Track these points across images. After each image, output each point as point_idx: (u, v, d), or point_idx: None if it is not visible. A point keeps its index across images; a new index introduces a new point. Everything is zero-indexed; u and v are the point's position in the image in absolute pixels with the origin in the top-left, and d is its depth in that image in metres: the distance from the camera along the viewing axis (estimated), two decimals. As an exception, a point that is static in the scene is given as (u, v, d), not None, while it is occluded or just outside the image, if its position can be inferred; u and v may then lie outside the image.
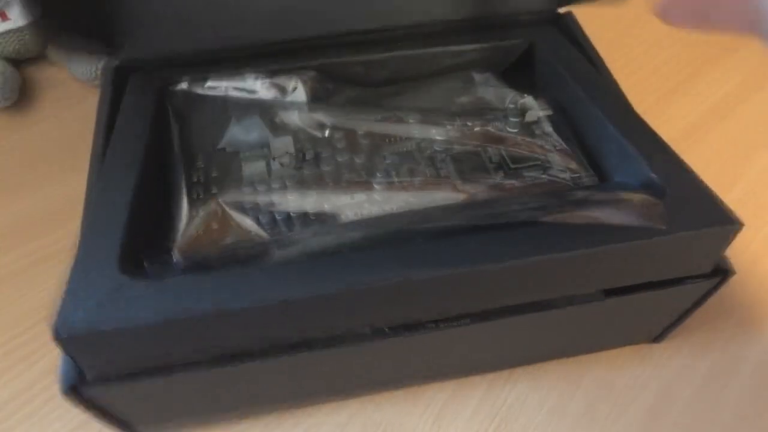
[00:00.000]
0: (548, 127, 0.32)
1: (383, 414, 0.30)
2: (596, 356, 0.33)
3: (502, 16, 0.36)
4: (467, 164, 0.30)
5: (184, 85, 0.33)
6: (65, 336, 0.21)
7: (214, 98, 0.33)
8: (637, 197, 0.24)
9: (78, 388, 0.23)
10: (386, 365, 0.29)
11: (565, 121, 0.32)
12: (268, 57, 0.34)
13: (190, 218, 0.27)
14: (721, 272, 0.27)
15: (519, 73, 0.36)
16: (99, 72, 0.45)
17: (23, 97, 0.46)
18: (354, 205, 0.28)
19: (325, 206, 0.28)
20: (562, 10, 0.37)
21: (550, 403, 0.31)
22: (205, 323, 0.22)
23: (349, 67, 0.35)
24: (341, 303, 0.23)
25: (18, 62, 0.47)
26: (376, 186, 0.28)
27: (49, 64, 0.49)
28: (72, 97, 0.46)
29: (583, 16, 0.37)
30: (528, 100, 0.33)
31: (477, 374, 0.32)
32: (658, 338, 0.33)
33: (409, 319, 0.25)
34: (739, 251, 0.37)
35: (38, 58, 0.49)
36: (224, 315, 0.22)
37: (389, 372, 0.30)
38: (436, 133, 0.31)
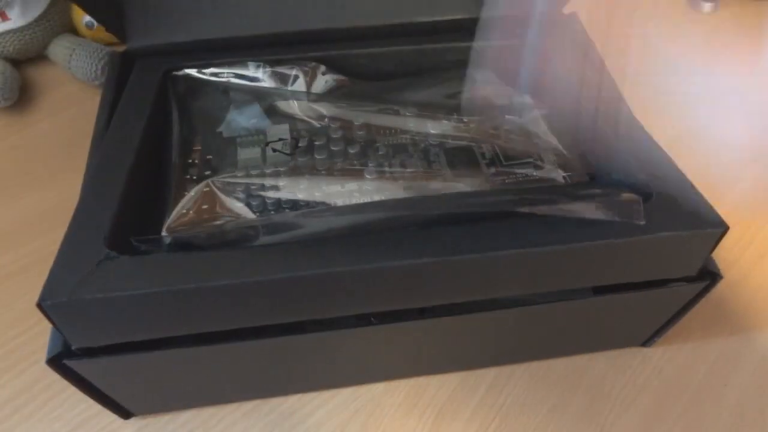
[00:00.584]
0: (544, 126, 0.32)
1: (383, 414, 0.30)
2: (596, 356, 0.33)
3: None
4: (460, 158, 0.30)
5: (187, 71, 0.34)
6: (49, 303, 0.21)
7: (216, 84, 0.33)
8: (616, 193, 0.24)
9: (61, 359, 0.24)
10: (369, 355, 0.29)
11: (561, 120, 0.32)
12: (272, 47, 0.35)
13: (182, 197, 0.28)
14: (709, 275, 0.27)
15: None
16: (99, 72, 0.45)
17: (23, 97, 0.46)
18: (344, 193, 0.28)
19: (316, 194, 0.28)
20: (566, 10, 0.37)
21: (550, 403, 0.31)
22: (185, 298, 0.22)
23: (352, 60, 0.35)
24: (319, 286, 0.23)
25: (18, 62, 0.47)
26: (367, 176, 0.29)
27: (49, 64, 0.49)
28: (72, 97, 0.46)
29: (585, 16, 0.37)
30: (525, 98, 0.33)
31: (463, 370, 0.32)
32: (646, 342, 0.33)
33: (388, 306, 0.25)
34: (739, 252, 0.37)
35: (38, 58, 0.49)
36: (204, 292, 0.22)
37: (373, 363, 0.30)
38: (432, 127, 0.32)
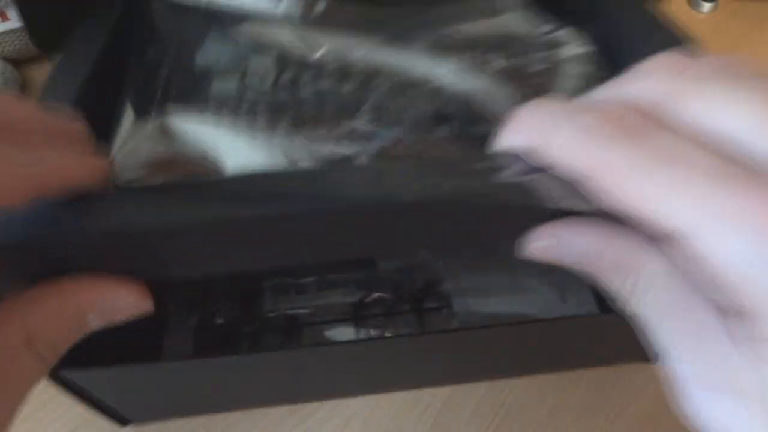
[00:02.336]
0: (584, 69, 0.26)
1: (383, 414, 0.30)
2: (596, 356, 0.33)
3: None
4: (474, 103, 0.25)
5: None
6: None
7: (196, 8, 0.28)
8: None
9: (57, 369, 0.23)
10: (368, 370, 0.29)
11: (605, 62, 0.26)
12: None
13: (134, 133, 0.24)
14: None
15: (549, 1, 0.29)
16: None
17: (23, 97, 0.46)
18: (330, 138, 0.24)
19: (295, 140, 0.24)
20: None
21: (550, 403, 0.31)
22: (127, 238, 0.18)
23: None
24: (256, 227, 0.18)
25: (18, 62, 0.47)
26: (360, 119, 0.24)
27: (49, 64, 0.49)
28: (72, 97, 0.47)
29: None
30: (563, 33, 0.27)
31: (462, 383, 0.32)
32: (652, 359, 0.33)
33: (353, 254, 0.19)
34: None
35: (38, 58, 0.49)
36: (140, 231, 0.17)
37: (369, 377, 0.30)
38: (444, 65, 0.26)
